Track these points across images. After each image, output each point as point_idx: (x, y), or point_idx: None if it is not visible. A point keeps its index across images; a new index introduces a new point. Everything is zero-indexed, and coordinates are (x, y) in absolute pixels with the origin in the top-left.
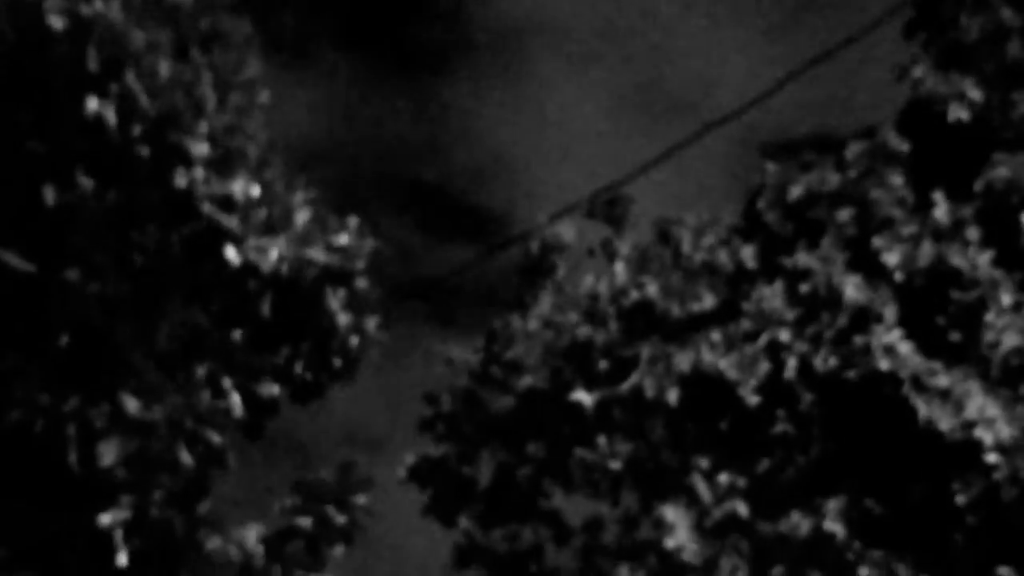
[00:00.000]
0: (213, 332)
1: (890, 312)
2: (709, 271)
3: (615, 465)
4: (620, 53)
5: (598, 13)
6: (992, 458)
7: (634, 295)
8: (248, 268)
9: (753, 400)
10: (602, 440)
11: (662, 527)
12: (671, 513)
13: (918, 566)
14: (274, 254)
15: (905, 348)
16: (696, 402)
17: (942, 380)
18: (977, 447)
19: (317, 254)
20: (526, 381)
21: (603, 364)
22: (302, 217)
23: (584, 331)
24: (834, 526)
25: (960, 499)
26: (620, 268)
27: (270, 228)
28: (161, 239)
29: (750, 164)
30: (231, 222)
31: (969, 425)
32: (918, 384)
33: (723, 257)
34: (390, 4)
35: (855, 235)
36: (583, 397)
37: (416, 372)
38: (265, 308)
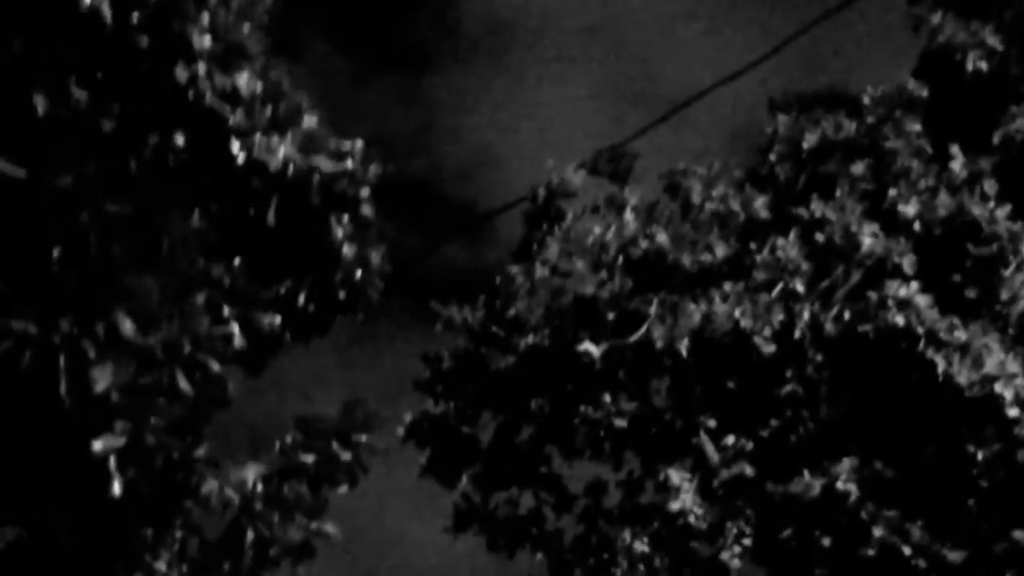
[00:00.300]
0: (214, 247)
1: (908, 263)
2: (720, 222)
3: (620, 423)
4: (609, 47)
5: (586, 7)
6: (1013, 412)
7: (643, 244)
8: (254, 166)
9: (768, 349)
10: (607, 398)
11: (666, 490)
12: (676, 475)
13: (930, 529)
14: (281, 152)
15: (923, 301)
16: (707, 355)
17: (960, 335)
18: (996, 403)
19: (324, 163)
20: (529, 339)
21: (610, 316)
22: (309, 121)
23: (590, 283)
24: (848, 486)
25: (978, 455)
26: (629, 217)
27: (277, 126)
28: (161, 143)
29: (756, 125)
30: (236, 116)
31: (989, 380)
32: (935, 339)
33: (735, 206)
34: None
35: (870, 189)
36: (590, 348)
37: (402, 366)
38: (270, 216)
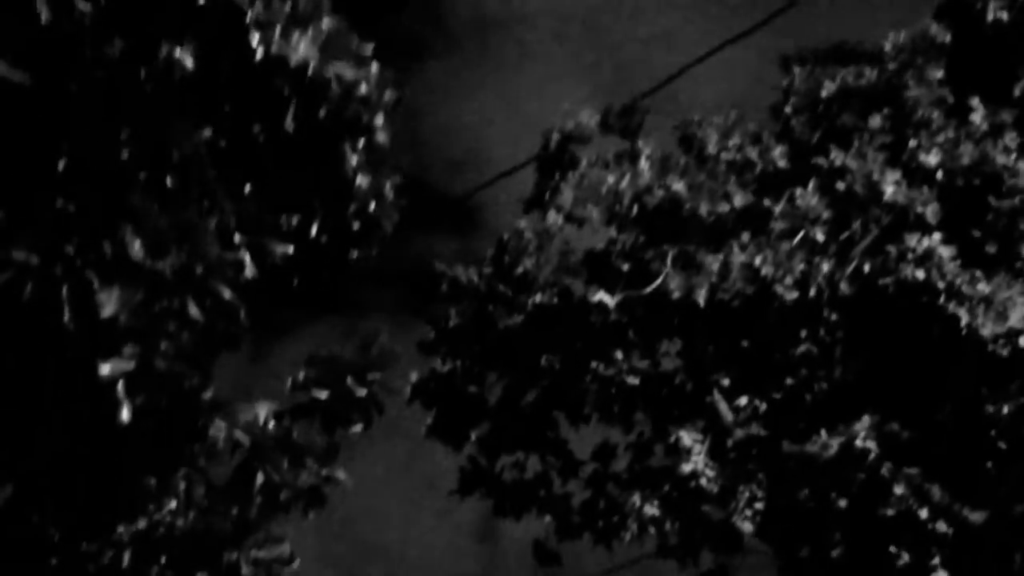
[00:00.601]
0: (225, 170)
1: (931, 212)
2: (737, 171)
3: (632, 380)
4: (600, 42)
5: (577, 1)
6: None
7: (659, 194)
8: (272, 63)
9: (791, 296)
10: (619, 354)
11: (677, 452)
12: (687, 437)
13: (949, 491)
14: (301, 49)
15: (945, 252)
16: (722, 311)
17: (983, 287)
18: (1021, 356)
19: (344, 69)
20: (537, 297)
21: (624, 267)
22: (328, 24)
23: (604, 233)
24: (867, 444)
25: (1003, 410)
26: (644, 166)
27: (297, 21)
28: (172, 49)
29: (763, 87)
30: (255, 8)
31: (1014, 334)
32: (956, 293)
33: (752, 155)
34: None
35: (889, 141)
36: (605, 298)
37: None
38: (288, 120)
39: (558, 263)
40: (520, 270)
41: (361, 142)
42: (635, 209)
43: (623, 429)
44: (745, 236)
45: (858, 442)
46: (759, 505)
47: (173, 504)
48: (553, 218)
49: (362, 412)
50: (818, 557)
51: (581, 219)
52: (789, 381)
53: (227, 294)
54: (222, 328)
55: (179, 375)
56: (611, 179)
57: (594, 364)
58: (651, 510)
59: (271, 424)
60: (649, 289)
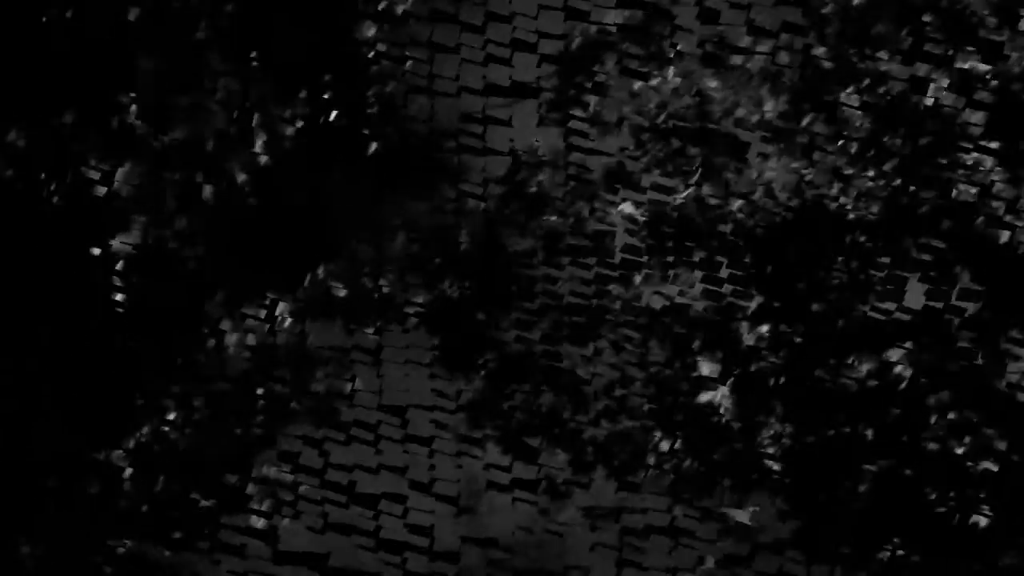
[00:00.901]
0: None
1: (979, 120)
2: (771, 78)
3: (655, 304)
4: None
5: None
6: None
7: (688, 100)
8: None
9: (832, 206)
10: (638, 278)
11: (696, 383)
12: (707, 367)
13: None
14: None
15: (992, 164)
16: (750, 230)
17: None
18: None
19: None
20: (553, 218)
21: (650, 181)
22: None
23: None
24: (906, 371)
25: None
26: (672, 71)
27: None
28: None
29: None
30: None
31: None
32: (1006, 207)
33: (786, 61)
34: None
35: (935, 51)
36: (632, 211)
37: None
38: None
39: (575, 181)
40: (533, 189)
41: (381, 6)
42: (663, 116)
43: (638, 361)
44: (780, 145)
45: (896, 369)
46: (785, 441)
47: (174, 415)
48: (575, 124)
49: (379, 312)
50: (842, 495)
51: (605, 123)
52: (815, 307)
53: (240, 177)
54: (233, 209)
55: (186, 259)
56: (637, 84)
57: (612, 288)
58: (668, 444)
59: (285, 324)
60: (678, 200)
